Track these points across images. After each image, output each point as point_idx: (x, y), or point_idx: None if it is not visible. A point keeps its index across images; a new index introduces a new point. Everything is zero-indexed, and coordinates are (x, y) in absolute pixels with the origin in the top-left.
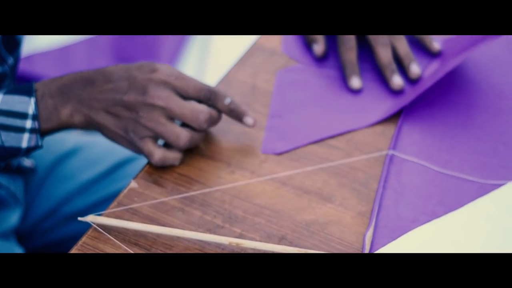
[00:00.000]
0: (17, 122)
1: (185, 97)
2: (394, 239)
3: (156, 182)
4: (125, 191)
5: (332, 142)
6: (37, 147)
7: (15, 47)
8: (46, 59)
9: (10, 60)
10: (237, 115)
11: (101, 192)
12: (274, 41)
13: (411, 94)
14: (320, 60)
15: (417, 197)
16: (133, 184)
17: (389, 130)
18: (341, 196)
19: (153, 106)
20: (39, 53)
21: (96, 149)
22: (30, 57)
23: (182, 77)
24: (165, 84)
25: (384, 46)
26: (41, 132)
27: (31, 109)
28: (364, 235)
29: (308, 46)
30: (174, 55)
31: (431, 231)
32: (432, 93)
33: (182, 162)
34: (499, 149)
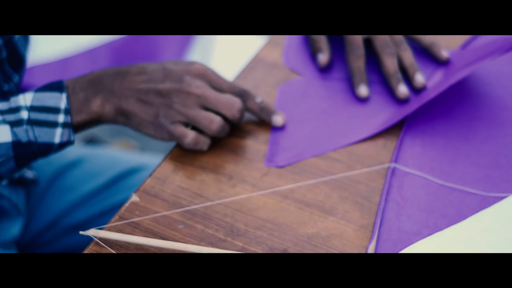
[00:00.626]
0: (49, 117)
1: (219, 90)
2: (397, 252)
3: (157, 196)
4: (127, 204)
5: (333, 155)
6: (69, 142)
7: (20, 64)
8: (45, 71)
9: (16, 78)
10: (267, 114)
11: (102, 204)
12: (275, 54)
13: (414, 104)
14: (322, 72)
15: (420, 210)
16: (135, 198)
17: (391, 143)
18: (343, 209)
19: (189, 94)
20: (39, 65)
21: (98, 161)
22: (30, 69)
23: (217, 73)
24: (201, 76)
25: (390, 55)
26: (73, 126)
27: (63, 104)
28: (367, 248)
29: (312, 56)
30: None
31: (434, 244)
32: (434, 106)
33: (183, 175)
34: (501, 162)
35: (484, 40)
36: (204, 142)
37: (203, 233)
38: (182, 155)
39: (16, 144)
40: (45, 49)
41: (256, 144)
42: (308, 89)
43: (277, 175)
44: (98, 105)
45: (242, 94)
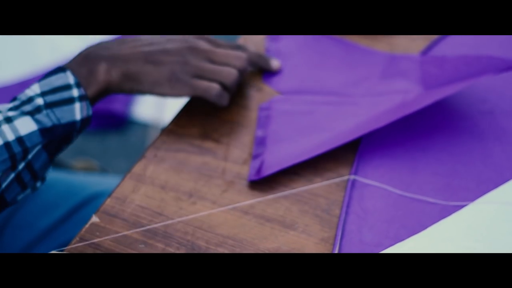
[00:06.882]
0: (64, 95)
1: None
2: None
3: (117, 216)
4: (87, 226)
5: (292, 168)
6: (88, 118)
7: None
8: (4, 93)
9: None
10: (265, 60)
11: (62, 238)
12: None
13: (394, 114)
14: (299, 86)
15: (380, 221)
16: (95, 219)
17: (350, 155)
18: (303, 223)
19: (198, 50)
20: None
21: (54, 191)
22: None
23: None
24: (202, 38)
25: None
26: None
27: (71, 79)
28: None
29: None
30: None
31: None
32: None
33: (143, 194)
34: (460, 171)
35: (456, 56)
36: (226, 96)
37: (165, 251)
38: (141, 174)
39: (43, 131)
40: (3, 72)
41: (215, 161)
42: (287, 106)
43: (237, 191)
44: (104, 72)
45: (239, 48)
